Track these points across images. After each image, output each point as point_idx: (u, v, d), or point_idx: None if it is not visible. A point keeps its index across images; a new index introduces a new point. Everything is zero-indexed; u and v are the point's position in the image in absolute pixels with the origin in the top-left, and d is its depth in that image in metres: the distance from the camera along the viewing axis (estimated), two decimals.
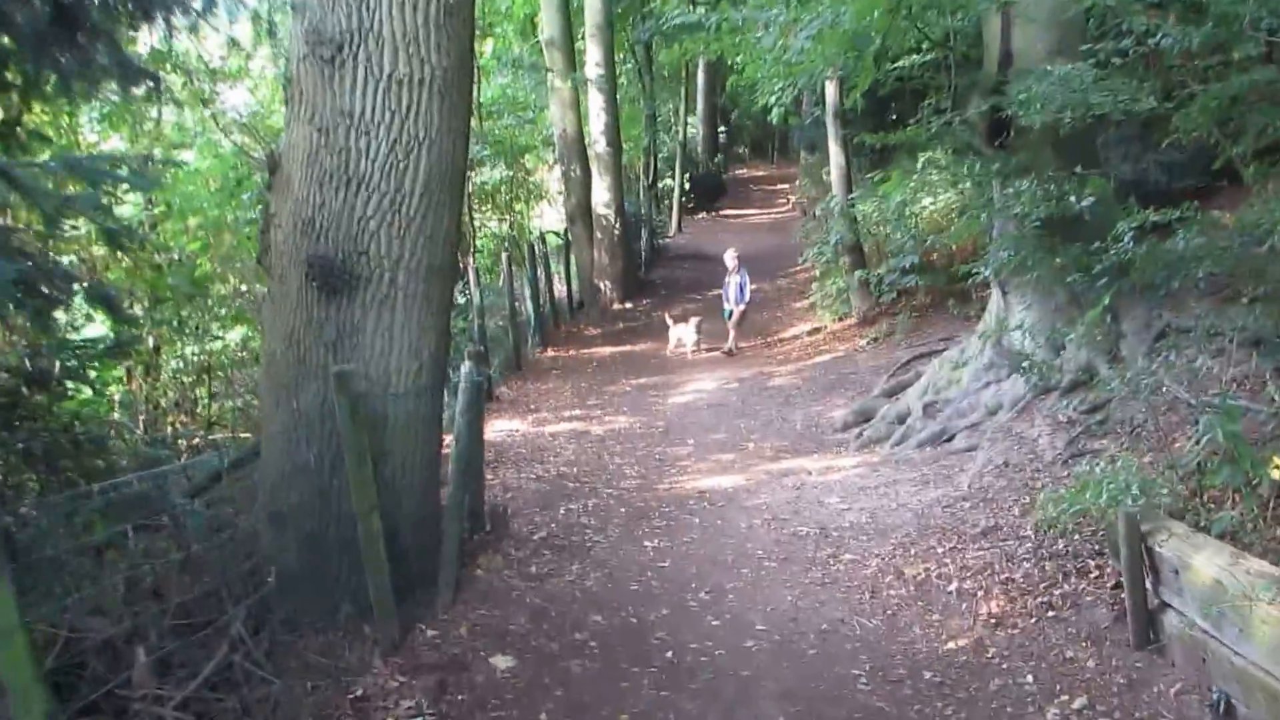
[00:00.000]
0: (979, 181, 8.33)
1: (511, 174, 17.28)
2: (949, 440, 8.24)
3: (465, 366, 6.24)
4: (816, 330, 14.43)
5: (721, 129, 36.85)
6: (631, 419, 10.81)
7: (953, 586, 5.33)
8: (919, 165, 14.83)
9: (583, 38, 18.25)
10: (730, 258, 14.37)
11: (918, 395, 9.25)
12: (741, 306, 14.09)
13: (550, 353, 15.00)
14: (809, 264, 15.49)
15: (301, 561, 5.04)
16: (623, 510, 7.34)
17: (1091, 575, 4.99)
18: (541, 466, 8.89)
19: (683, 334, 13.63)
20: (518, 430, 10.52)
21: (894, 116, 17.25)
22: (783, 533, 6.63)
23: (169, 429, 7.29)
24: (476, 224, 15.87)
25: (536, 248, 16.08)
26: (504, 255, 13.62)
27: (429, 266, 5.05)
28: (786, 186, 31.81)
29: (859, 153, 15.01)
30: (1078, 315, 8.16)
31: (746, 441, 9.48)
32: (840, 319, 14.21)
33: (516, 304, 15.13)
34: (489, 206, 17.23)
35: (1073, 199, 6.77)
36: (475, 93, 16.53)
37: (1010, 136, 8.09)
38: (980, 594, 5.17)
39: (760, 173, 37.51)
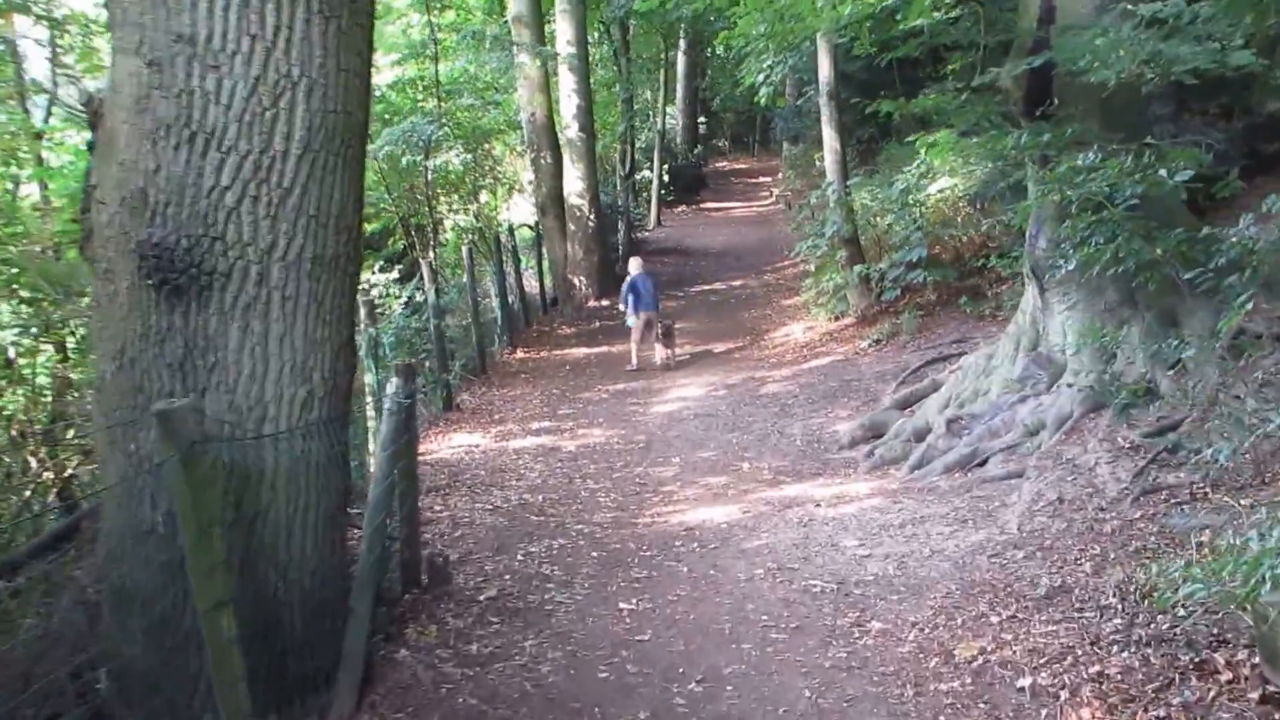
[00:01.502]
0: (1018, 158, 7.04)
1: (473, 160, 15.88)
2: (981, 465, 6.94)
3: (391, 385, 4.90)
4: (810, 330, 13.14)
5: (701, 120, 35.62)
6: (608, 432, 9.47)
7: (1024, 681, 4.01)
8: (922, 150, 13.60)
9: (553, 15, 16.87)
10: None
11: (938, 408, 7.95)
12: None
13: (520, 354, 13.64)
14: (801, 258, 14.19)
15: (149, 656, 3.68)
16: (594, 555, 5.99)
17: (1220, 676, 3.69)
18: (501, 493, 7.55)
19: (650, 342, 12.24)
20: (478, 446, 9.17)
21: (890, 95, 16.07)
22: (791, 588, 5.31)
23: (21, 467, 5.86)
24: (438, 216, 14.50)
25: (504, 240, 14.72)
26: (465, 249, 12.23)
27: (315, 258, 3.70)
28: (769, 180, 30.70)
29: (849, 141, 13.75)
30: (1131, 316, 6.92)
31: (740, 460, 8.17)
32: (836, 318, 12.92)
33: (482, 301, 13.83)
34: (453, 196, 15.84)
35: (1163, 173, 5.39)
36: (434, 70, 15.20)
37: (1053, 104, 6.82)
38: (1064, 695, 3.86)
39: (741, 165, 36.31)
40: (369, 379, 8.46)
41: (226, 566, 3.19)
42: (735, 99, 30.62)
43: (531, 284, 17.56)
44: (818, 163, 16.76)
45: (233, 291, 3.58)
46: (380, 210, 14.58)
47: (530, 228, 17.28)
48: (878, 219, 12.66)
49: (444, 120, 13.59)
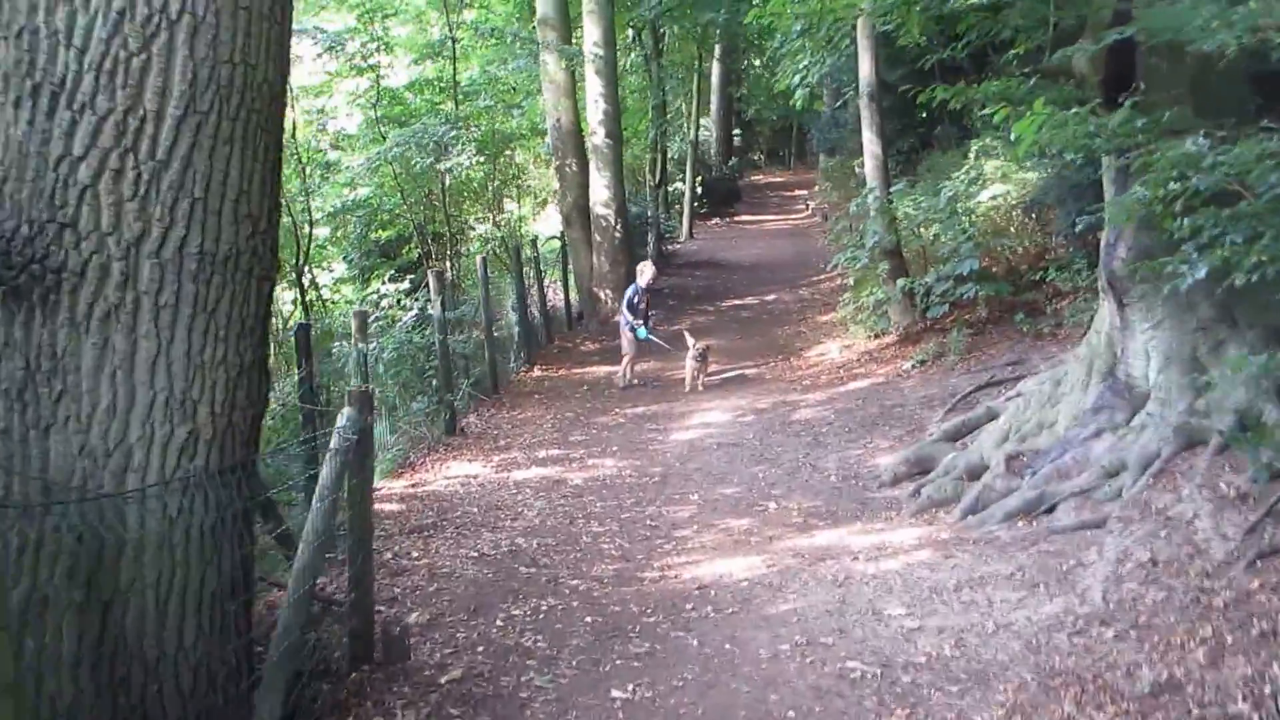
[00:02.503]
0: (1092, 154, 6.02)
1: (492, 166, 15.07)
2: (1049, 511, 5.91)
3: (343, 416, 4.02)
4: (848, 349, 12.13)
5: (736, 132, 34.82)
6: (621, 463, 8.54)
7: None
8: (971, 154, 12.60)
9: (580, 16, 16.08)
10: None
11: (995, 442, 6.93)
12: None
13: (537, 371, 12.77)
14: (840, 269, 13.20)
15: None
16: (588, 621, 5.05)
17: None
18: (492, 536, 6.64)
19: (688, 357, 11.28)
20: (475, 477, 8.28)
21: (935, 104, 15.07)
22: (824, 671, 4.34)
23: None
24: (457, 225, 13.71)
25: (524, 252, 13.89)
26: (479, 260, 11.37)
27: (203, 255, 2.86)
28: (805, 193, 29.90)
29: (889, 152, 12.77)
30: (1229, 335, 5.89)
31: (767, 499, 7.20)
32: (876, 336, 11.90)
33: (503, 316, 13.00)
34: (475, 205, 15.04)
35: None
36: (453, 70, 14.45)
37: (1137, 89, 5.81)
38: None
39: (777, 178, 35.48)
40: None
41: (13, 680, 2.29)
42: (771, 109, 29.75)
43: (556, 297, 16.76)
44: (857, 170, 15.79)
45: (88, 296, 2.73)
46: (395, 217, 13.81)
47: (557, 238, 16.46)
48: (922, 229, 11.65)
49: (460, 123, 12.78)
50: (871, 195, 11.63)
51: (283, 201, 12.75)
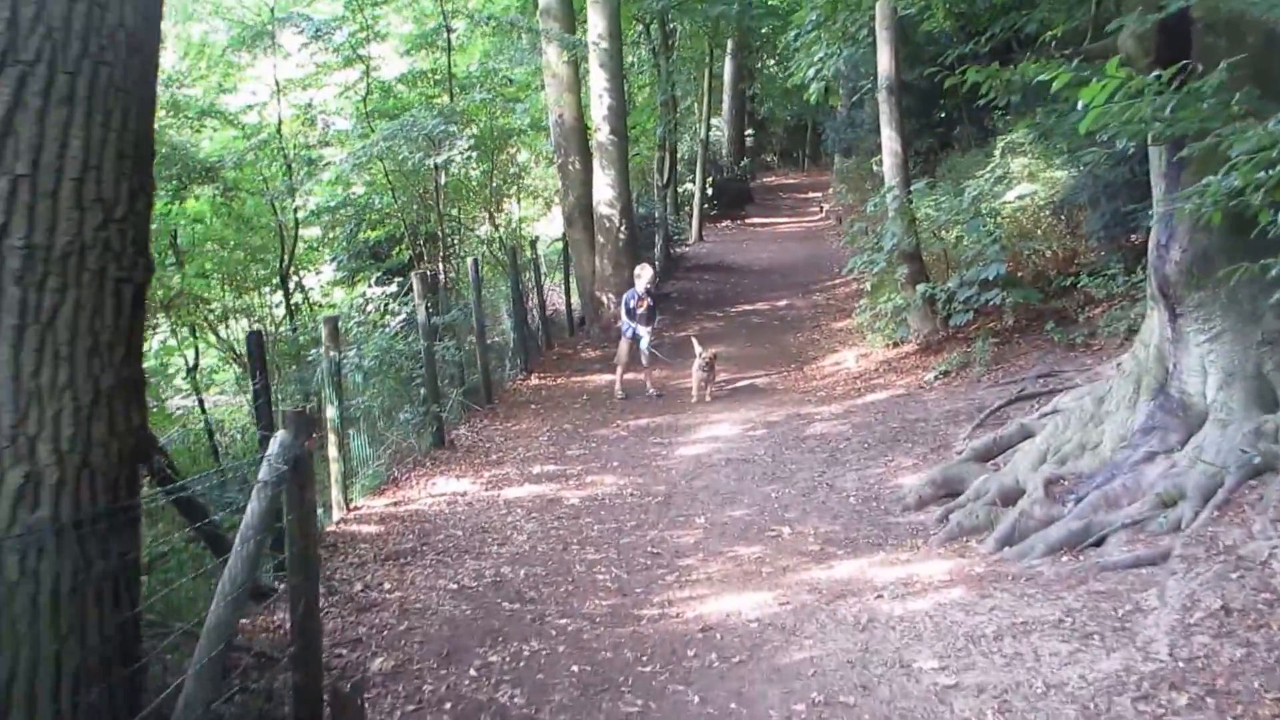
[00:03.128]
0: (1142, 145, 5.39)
1: (491, 164, 14.45)
2: (1098, 544, 5.27)
3: (275, 441, 3.42)
4: (865, 358, 11.50)
5: (749, 132, 34.18)
6: (622, 480, 7.93)
7: None
8: (997, 151, 11.96)
9: (584, 9, 15.47)
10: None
11: (1031, 464, 6.29)
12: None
13: (535, 380, 12.18)
14: (857, 274, 12.57)
15: None
16: (575, 670, 4.44)
17: None
18: (476, 564, 6.04)
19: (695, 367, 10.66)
20: (464, 495, 7.69)
21: (952, 103, 14.42)
22: None
23: None
24: (451, 225, 13.11)
25: (523, 254, 13.30)
26: (470, 262, 10.77)
27: (32, 250, 2.24)
28: (818, 195, 29.24)
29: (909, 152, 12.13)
30: None
31: (780, 523, 6.57)
32: (895, 344, 11.26)
33: (495, 322, 12.44)
34: (472, 204, 14.43)
35: None
36: (448, 60, 13.84)
37: (1191, 70, 5.18)
38: None
39: (789, 180, 34.84)
40: (330, 413, 7.04)
41: None
42: (785, 107, 29.15)
43: (558, 301, 16.19)
44: (875, 168, 15.14)
45: None
46: (386, 216, 13.21)
47: (560, 240, 15.86)
48: (943, 232, 11.01)
49: (455, 115, 12.16)
50: (890, 195, 11.00)
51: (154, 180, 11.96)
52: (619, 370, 11.13)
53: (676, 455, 8.57)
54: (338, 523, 7.04)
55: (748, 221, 26.53)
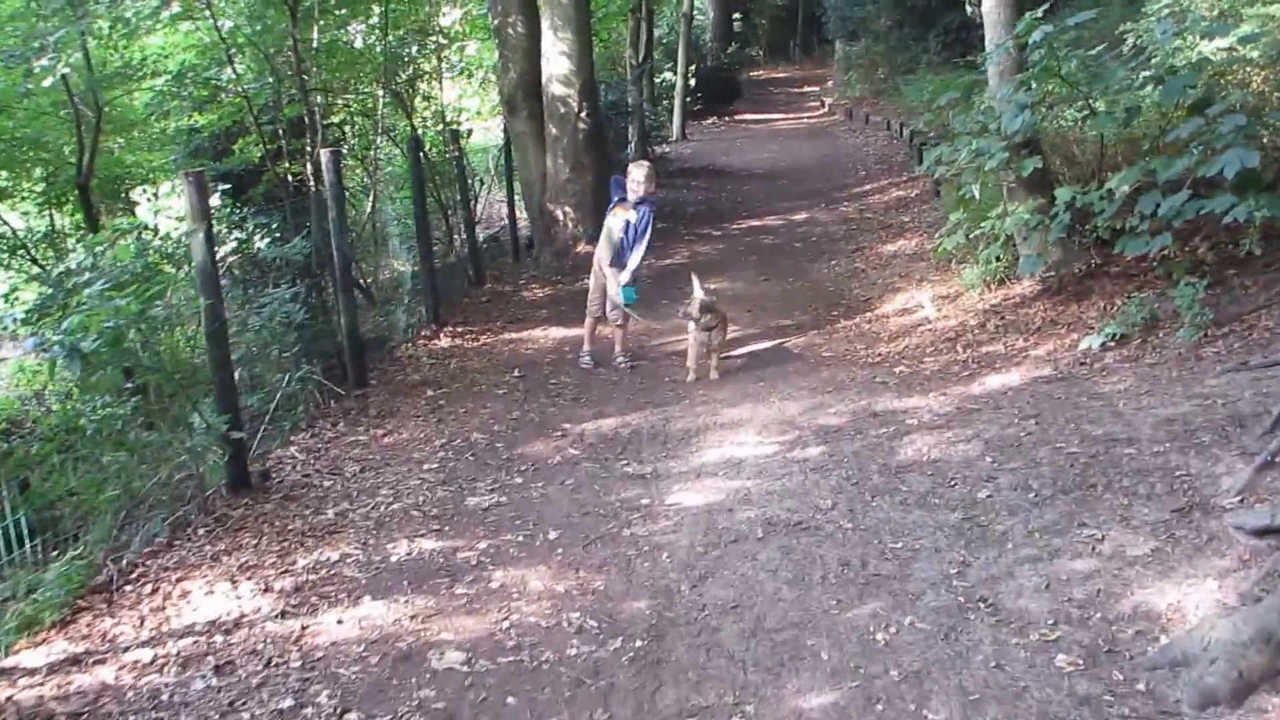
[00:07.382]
0: None
1: (384, 20, 10.05)
2: None
3: None
4: (950, 302, 7.49)
5: (736, 16, 29.68)
6: (561, 584, 3.98)
7: None
8: None
9: None
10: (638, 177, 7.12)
11: None
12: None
13: (445, 340, 8.11)
14: (933, 174, 8.47)
15: None
16: None
17: None
18: None
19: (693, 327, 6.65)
20: (232, 628, 3.76)
21: None
22: None
23: None
24: (315, 107, 8.78)
25: (430, 150, 9.08)
26: (326, 155, 6.54)
27: None
28: (815, 89, 25.14)
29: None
30: None
31: None
32: (1001, 282, 7.26)
33: (394, 257, 8.39)
34: (365, 80, 10.10)
35: None
36: None
37: None
38: None
39: (779, 74, 30.46)
40: None
41: None
42: None
43: (501, 217, 12.10)
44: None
45: None
46: (217, 91, 8.86)
47: (503, 135, 11.60)
48: (1094, 106, 6.79)
49: None
50: (1000, 52, 6.84)
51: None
52: (589, 322, 7.13)
53: (668, 510, 4.58)
54: None
55: (738, 117, 22.29)
